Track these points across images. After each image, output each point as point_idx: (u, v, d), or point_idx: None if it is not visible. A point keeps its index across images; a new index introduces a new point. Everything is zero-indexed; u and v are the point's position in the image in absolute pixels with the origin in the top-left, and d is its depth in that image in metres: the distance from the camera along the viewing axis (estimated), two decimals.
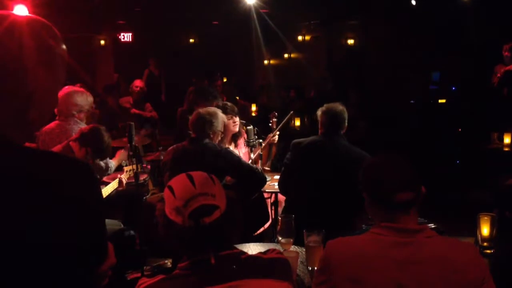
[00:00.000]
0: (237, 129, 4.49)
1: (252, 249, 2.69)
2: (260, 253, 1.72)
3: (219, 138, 3.87)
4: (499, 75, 6.72)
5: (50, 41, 1.16)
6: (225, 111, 4.16)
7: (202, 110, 3.82)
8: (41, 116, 1.19)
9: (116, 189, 3.90)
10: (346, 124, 3.68)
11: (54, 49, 1.18)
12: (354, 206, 3.15)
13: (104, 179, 4.11)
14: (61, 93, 4.19)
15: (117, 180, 3.93)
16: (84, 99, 4.18)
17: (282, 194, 4.03)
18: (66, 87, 4.38)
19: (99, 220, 1.20)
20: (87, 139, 3.54)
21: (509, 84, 6.50)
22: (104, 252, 1.25)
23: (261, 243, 2.99)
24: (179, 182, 1.64)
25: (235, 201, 1.68)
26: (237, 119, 4.46)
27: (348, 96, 8.99)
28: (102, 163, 3.94)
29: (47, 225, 1.05)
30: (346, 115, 3.68)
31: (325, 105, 3.74)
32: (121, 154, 4.27)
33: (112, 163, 4.12)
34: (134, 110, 7.45)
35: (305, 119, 8.00)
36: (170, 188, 1.63)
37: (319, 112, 3.75)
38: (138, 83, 7.80)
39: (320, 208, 3.46)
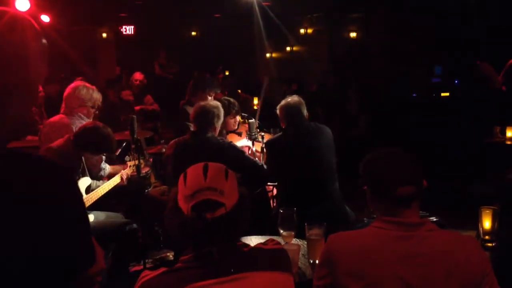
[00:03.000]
0: (236, 127, 4.55)
1: (254, 242, 2.69)
2: (261, 243, 1.73)
3: (218, 130, 3.88)
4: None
5: (29, 35, 1.16)
6: (229, 110, 4.20)
7: (205, 103, 3.81)
8: (20, 111, 1.17)
9: (117, 185, 3.90)
10: (306, 111, 3.88)
11: (34, 43, 1.17)
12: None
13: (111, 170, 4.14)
14: (68, 87, 4.19)
15: (118, 176, 3.93)
16: (87, 94, 4.14)
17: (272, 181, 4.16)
18: (74, 82, 4.37)
19: (77, 224, 1.16)
20: (82, 143, 3.51)
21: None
22: (89, 257, 1.21)
23: (263, 236, 3.00)
24: (194, 171, 1.63)
25: (247, 199, 1.67)
26: (238, 118, 4.53)
27: (350, 91, 8.99)
28: (94, 161, 3.94)
29: (17, 230, 1.03)
30: (302, 105, 3.86)
31: (282, 100, 3.92)
32: (117, 166, 4.27)
33: (107, 167, 4.13)
34: (136, 108, 7.44)
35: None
36: (185, 175, 1.63)
37: (277, 110, 3.92)
38: (137, 76, 7.79)
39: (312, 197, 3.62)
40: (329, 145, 3.81)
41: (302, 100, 3.90)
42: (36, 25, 1.18)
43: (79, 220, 1.18)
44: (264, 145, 3.99)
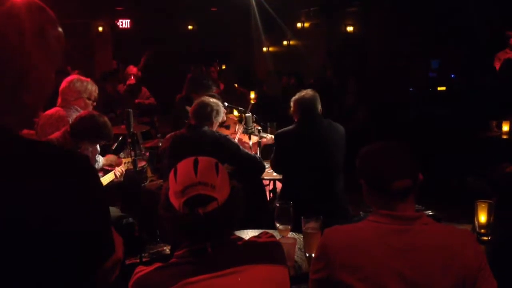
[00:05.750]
0: (224, 119, 4.61)
1: (249, 236, 2.69)
2: (254, 237, 1.73)
3: (216, 128, 3.89)
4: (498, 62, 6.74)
5: (45, 23, 1.15)
6: None
7: (206, 99, 3.83)
8: (36, 100, 1.16)
9: (111, 181, 3.89)
10: (320, 106, 3.82)
11: (49, 31, 1.16)
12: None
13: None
14: (64, 81, 4.18)
15: (112, 173, 3.92)
16: (82, 86, 4.12)
17: (278, 172, 4.11)
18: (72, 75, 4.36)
19: (100, 214, 1.16)
20: (82, 131, 3.52)
21: (509, 72, 6.50)
22: (109, 247, 1.20)
23: (259, 230, 3.00)
24: (184, 166, 1.62)
25: (239, 192, 1.66)
26: (224, 110, 4.59)
27: (347, 84, 8.98)
28: (89, 153, 3.93)
29: (45, 217, 1.02)
30: (317, 99, 3.80)
31: (297, 94, 3.88)
32: (111, 157, 4.27)
33: (101, 159, 4.12)
34: (136, 101, 7.43)
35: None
36: (175, 171, 1.62)
37: (291, 103, 3.88)
38: (133, 71, 7.78)
39: (315, 191, 3.60)
40: (339, 144, 3.76)
41: (317, 95, 3.82)
42: (52, 14, 1.16)
43: (100, 207, 1.17)
44: (274, 136, 3.94)
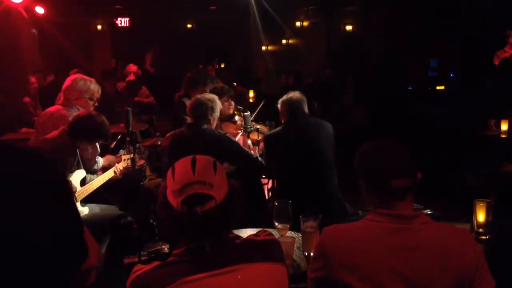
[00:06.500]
0: (231, 112, 4.58)
1: (248, 234, 2.69)
2: (252, 235, 1.73)
3: (216, 124, 3.89)
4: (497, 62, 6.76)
5: (19, 24, 1.15)
6: (222, 93, 4.22)
7: (201, 96, 3.82)
8: (10, 100, 1.17)
9: (111, 178, 3.89)
10: (306, 108, 3.89)
11: (24, 32, 1.16)
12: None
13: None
14: (67, 80, 4.18)
15: (112, 170, 3.92)
16: (85, 86, 4.10)
17: (269, 177, 4.18)
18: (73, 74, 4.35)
19: (72, 218, 1.16)
20: (79, 130, 3.52)
21: (506, 71, 6.51)
22: (79, 254, 1.20)
23: (257, 229, 2.99)
24: (181, 165, 1.63)
25: (237, 191, 1.67)
26: (232, 102, 4.56)
27: (346, 83, 8.99)
28: (89, 154, 3.93)
29: (19, 218, 1.03)
30: (304, 101, 3.87)
31: (284, 95, 3.93)
32: (110, 157, 4.26)
33: (100, 160, 4.11)
34: (135, 99, 7.43)
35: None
36: (173, 170, 1.63)
37: (278, 104, 3.93)
38: (132, 69, 7.77)
39: (308, 188, 3.62)
40: (328, 141, 3.81)
41: (304, 97, 3.90)
42: (25, 15, 1.17)
43: (65, 218, 1.16)
44: (263, 139, 4.00)
